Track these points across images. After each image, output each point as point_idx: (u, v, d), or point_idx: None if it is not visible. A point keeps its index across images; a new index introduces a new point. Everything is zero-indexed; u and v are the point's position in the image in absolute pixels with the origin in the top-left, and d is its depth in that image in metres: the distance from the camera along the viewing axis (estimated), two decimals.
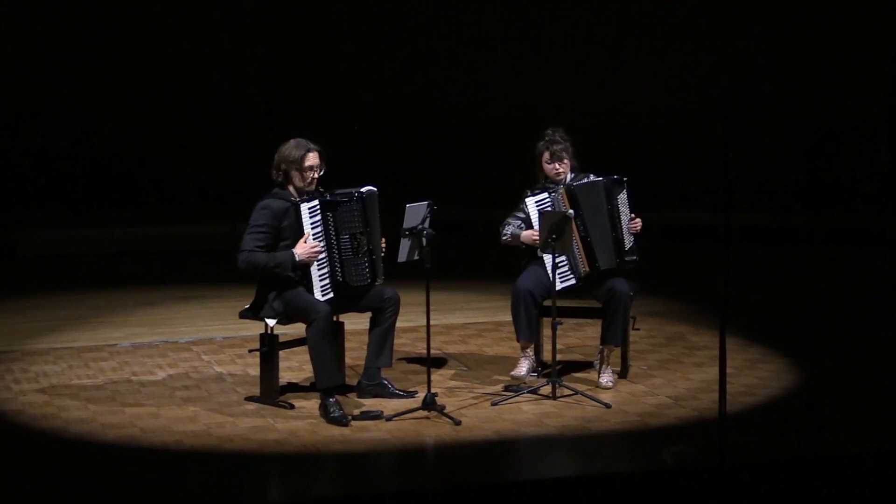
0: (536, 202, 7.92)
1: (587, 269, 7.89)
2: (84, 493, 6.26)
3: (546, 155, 8.00)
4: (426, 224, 7.39)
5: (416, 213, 7.38)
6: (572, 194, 7.89)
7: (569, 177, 8.02)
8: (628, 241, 7.95)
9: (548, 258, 7.70)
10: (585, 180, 7.98)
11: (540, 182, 8.07)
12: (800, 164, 14.75)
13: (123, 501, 6.15)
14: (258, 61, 15.35)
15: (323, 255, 7.40)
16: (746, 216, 13.95)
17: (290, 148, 7.48)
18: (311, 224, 7.39)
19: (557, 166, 7.99)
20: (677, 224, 14.00)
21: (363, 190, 7.51)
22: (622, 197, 7.95)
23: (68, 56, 14.63)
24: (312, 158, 7.45)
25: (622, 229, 7.92)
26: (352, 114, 15.00)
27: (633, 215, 7.99)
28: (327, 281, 7.43)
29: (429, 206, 7.42)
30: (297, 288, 7.41)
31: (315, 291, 7.40)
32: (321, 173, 7.50)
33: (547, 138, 8.02)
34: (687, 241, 12.76)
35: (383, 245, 7.63)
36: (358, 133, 13.90)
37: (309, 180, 7.45)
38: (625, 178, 7.99)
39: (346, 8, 15.44)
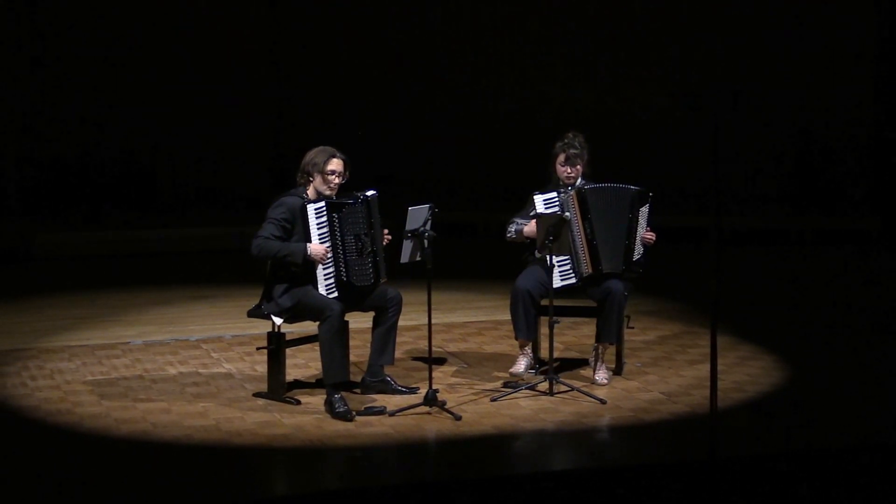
0: (545, 200, 7.97)
1: (590, 270, 7.96)
2: (97, 486, 6.38)
3: (561, 157, 8.06)
4: (427, 226, 7.50)
5: (417, 215, 7.49)
6: (582, 197, 7.95)
7: (579, 182, 8.08)
8: (638, 252, 8.04)
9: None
10: (603, 185, 8.02)
11: (553, 182, 8.13)
12: (789, 168, 14.90)
13: (136, 494, 6.28)
14: (268, 67, 15.45)
15: (329, 256, 7.55)
16: (737, 218, 14.07)
17: (316, 153, 7.65)
18: (318, 224, 7.51)
19: (569, 170, 8.05)
20: (671, 225, 14.11)
21: (368, 193, 7.64)
22: (644, 210, 8.03)
23: (81, 60, 14.74)
24: (335, 164, 7.61)
25: (636, 239, 8.00)
26: (354, 117, 15.11)
27: (648, 228, 8.09)
28: (332, 280, 7.56)
29: (430, 208, 7.52)
30: (305, 286, 7.53)
31: (320, 290, 7.52)
32: (343, 181, 7.66)
33: (566, 141, 8.07)
34: (680, 242, 12.84)
35: (387, 238, 7.71)
36: (362, 137, 14.04)
37: (331, 185, 7.61)
38: (650, 193, 8.09)
39: (349, 10, 15.55)
